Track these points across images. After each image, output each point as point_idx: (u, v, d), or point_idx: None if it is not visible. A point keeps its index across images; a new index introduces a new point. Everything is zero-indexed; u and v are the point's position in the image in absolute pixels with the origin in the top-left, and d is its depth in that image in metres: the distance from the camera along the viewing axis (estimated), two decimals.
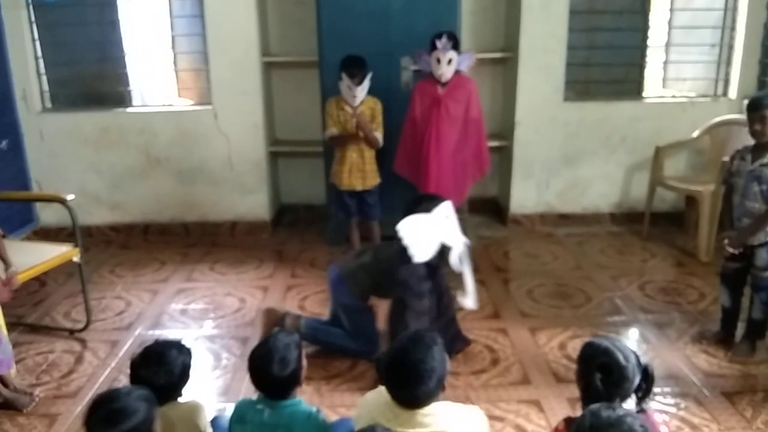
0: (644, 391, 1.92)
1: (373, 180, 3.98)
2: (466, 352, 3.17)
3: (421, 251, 2.81)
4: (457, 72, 3.80)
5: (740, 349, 3.12)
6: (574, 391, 2.77)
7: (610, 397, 1.79)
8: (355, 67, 3.72)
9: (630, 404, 1.92)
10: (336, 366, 3.07)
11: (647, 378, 1.91)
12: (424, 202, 2.95)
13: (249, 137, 4.75)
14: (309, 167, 5.04)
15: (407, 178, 4.02)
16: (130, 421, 1.71)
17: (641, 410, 1.92)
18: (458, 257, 2.87)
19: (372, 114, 3.86)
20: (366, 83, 3.77)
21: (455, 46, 3.72)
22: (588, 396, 1.92)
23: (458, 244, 2.87)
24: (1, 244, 2.79)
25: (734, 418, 2.62)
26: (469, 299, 2.93)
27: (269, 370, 1.97)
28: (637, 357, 1.92)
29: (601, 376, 1.93)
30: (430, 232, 2.84)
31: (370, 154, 3.93)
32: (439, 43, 3.68)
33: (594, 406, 1.62)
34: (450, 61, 3.71)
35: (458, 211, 4.00)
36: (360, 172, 3.92)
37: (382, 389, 1.96)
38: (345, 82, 3.74)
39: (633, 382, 1.88)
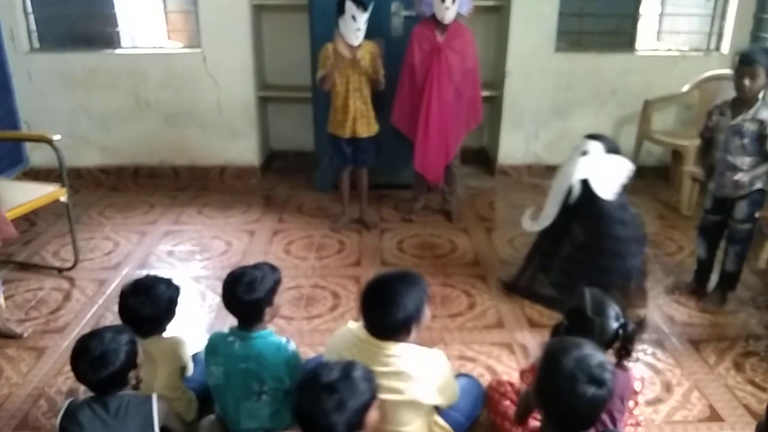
0: (623, 350, 1.99)
1: (375, 126, 3.91)
2: (445, 295, 3.25)
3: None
4: (456, 17, 3.75)
5: (711, 299, 3.21)
6: (546, 336, 2.88)
7: None
8: None
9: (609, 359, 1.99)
10: (317, 307, 3.16)
11: (626, 338, 1.98)
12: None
13: (238, 81, 4.73)
14: (299, 113, 5.03)
15: (404, 132, 4.03)
16: (114, 365, 1.83)
17: (621, 367, 2.00)
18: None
19: (372, 59, 3.76)
20: (367, 16, 3.62)
21: None
22: (553, 336, 2.01)
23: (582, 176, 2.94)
24: None
25: (697, 365, 2.73)
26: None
27: (235, 291, 2.04)
28: (617, 314, 1.98)
29: (567, 321, 2.01)
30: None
31: (370, 100, 3.85)
32: None
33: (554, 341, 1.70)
34: (454, 0, 3.65)
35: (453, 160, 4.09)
36: (365, 118, 3.84)
37: (350, 327, 2.04)
38: (348, 13, 3.57)
39: (600, 336, 1.94)
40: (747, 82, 2.82)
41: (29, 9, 4.68)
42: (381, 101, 3.97)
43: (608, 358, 1.97)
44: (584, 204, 2.96)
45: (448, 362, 2.06)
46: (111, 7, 4.81)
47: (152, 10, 5.00)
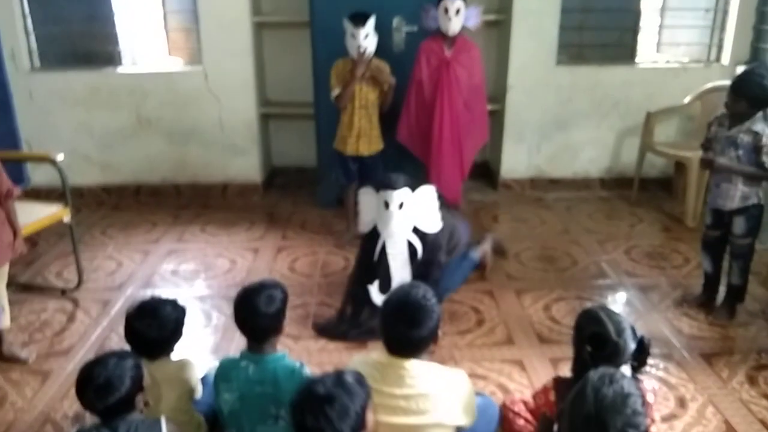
0: (639, 362, 1.96)
1: (377, 145, 3.93)
2: (453, 312, 3.22)
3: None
4: (463, 31, 3.76)
5: (720, 312, 3.19)
6: (557, 352, 2.89)
7: (597, 367, 1.77)
8: (357, 15, 3.64)
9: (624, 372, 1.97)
10: None
11: (642, 350, 1.95)
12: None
13: (240, 98, 4.73)
14: (300, 129, 5.02)
15: (410, 149, 4.01)
16: (119, 391, 1.79)
17: (634, 378, 1.97)
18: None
19: (377, 71, 3.77)
20: (370, 30, 3.65)
21: None
22: (578, 364, 1.97)
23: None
24: (13, 207, 2.81)
25: (711, 379, 2.70)
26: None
27: (255, 305, 2.02)
28: (633, 329, 1.95)
29: (591, 347, 1.96)
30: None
31: (376, 119, 3.89)
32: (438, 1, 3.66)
33: (595, 382, 1.53)
34: (458, 12, 3.66)
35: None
36: (366, 137, 3.87)
37: (369, 353, 2.01)
38: (348, 31, 3.65)
39: (624, 356, 1.91)
40: (729, 102, 2.93)
41: (30, 28, 4.69)
42: (389, 119, 3.97)
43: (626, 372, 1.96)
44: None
45: (470, 382, 2.03)
46: (112, 26, 4.82)
47: (153, 29, 5.00)
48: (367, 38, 3.66)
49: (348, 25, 3.65)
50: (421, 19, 3.86)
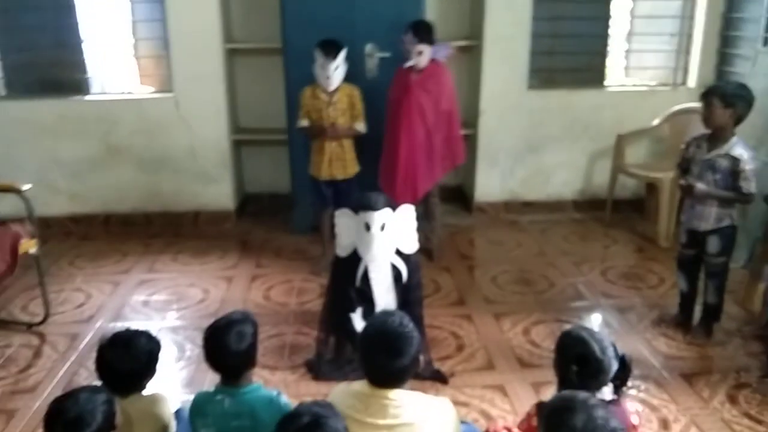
0: (621, 381, 1.95)
1: (353, 168, 3.91)
2: (432, 338, 3.18)
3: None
4: (434, 59, 3.79)
5: (698, 332, 3.21)
6: (538, 376, 2.86)
7: (585, 387, 1.78)
8: (328, 45, 3.65)
9: (606, 392, 1.95)
10: (301, 356, 3.05)
11: (624, 368, 1.95)
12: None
13: (212, 126, 4.68)
14: (273, 156, 4.98)
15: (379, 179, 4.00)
16: (90, 427, 1.71)
17: (616, 399, 1.95)
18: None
19: (350, 101, 3.80)
20: (340, 62, 3.67)
21: (424, 37, 3.71)
22: (563, 385, 1.94)
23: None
24: None
25: (692, 399, 2.70)
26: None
27: (226, 344, 1.96)
28: (614, 348, 1.95)
29: (577, 367, 1.95)
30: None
31: (348, 143, 3.87)
32: (405, 37, 3.69)
33: (558, 416, 1.55)
34: (420, 53, 3.70)
35: (430, 195, 4.05)
36: (340, 161, 3.85)
37: (350, 383, 1.96)
38: (318, 61, 3.66)
39: (609, 374, 1.91)
40: (705, 114, 2.96)
41: None
42: (363, 143, 3.96)
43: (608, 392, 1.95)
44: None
45: (455, 410, 1.99)
46: (80, 53, 4.74)
47: (123, 56, 4.94)
48: (336, 70, 3.68)
49: (319, 55, 3.65)
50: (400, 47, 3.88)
